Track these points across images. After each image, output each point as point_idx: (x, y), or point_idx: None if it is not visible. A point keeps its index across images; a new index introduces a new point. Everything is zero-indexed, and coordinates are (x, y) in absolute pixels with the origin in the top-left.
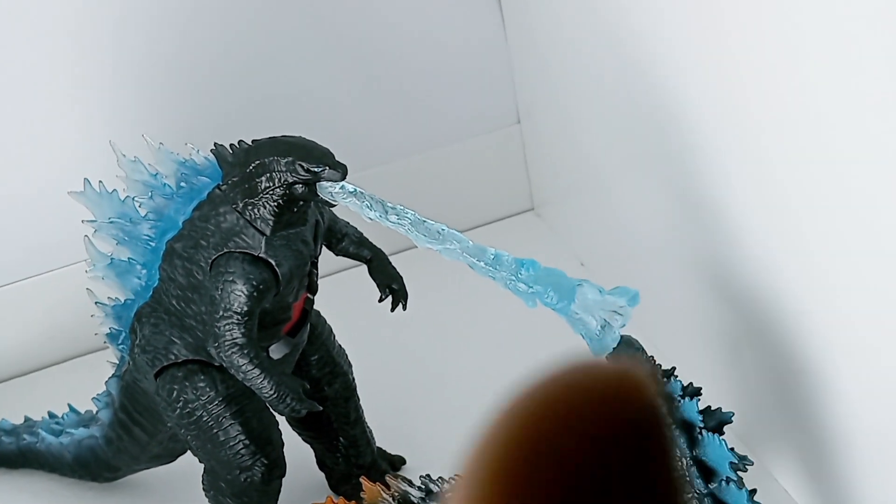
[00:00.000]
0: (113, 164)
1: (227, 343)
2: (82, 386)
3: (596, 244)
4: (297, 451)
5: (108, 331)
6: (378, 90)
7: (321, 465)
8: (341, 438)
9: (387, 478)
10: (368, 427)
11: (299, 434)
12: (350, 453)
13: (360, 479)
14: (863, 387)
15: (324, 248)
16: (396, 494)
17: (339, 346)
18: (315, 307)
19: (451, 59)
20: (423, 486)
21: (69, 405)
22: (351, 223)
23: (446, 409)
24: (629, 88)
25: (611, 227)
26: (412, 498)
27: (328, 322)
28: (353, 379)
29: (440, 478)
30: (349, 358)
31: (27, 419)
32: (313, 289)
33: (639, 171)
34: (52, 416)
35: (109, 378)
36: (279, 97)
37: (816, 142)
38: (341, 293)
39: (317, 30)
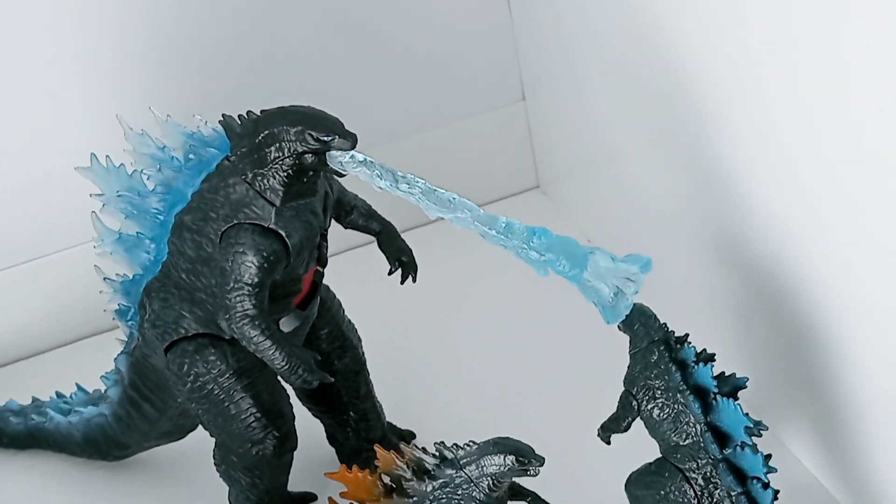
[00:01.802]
0: (120, 140)
1: (238, 314)
2: (89, 367)
3: (602, 220)
4: (308, 427)
5: (117, 307)
6: (383, 68)
7: (331, 439)
8: (351, 412)
9: (401, 446)
10: (378, 402)
11: (309, 409)
12: (360, 427)
13: (375, 448)
14: (877, 353)
15: (333, 221)
16: (411, 462)
17: (349, 320)
18: (325, 282)
19: (455, 38)
20: (438, 453)
21: (77, 384)
22: (360, 196)
23: (456, 383)
24: (634, 63)
25: (617, 202)
26: (426, 465)
27: (338, 297)
28: (363, 353)
29: (455, 444)
30: (359, 333)
31: (35, 400)
32: (323, 261)
33: (645, 144)
34: (59, 395)
35: (119, 355)
36: (284, 74)
37: (829, 108)
38: (350, 271)
39: (322, 7)
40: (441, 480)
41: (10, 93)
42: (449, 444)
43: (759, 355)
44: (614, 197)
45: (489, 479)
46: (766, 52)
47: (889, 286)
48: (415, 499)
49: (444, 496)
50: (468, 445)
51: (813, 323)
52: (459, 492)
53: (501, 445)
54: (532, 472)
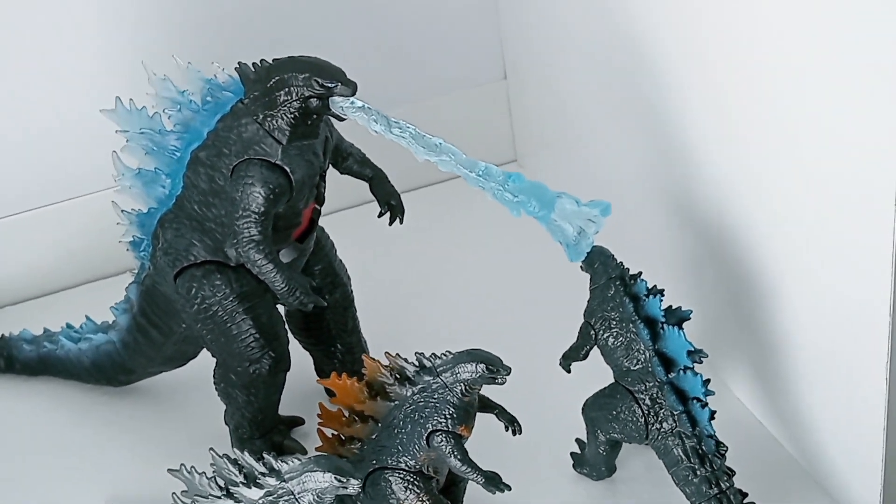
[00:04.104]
0: (140, 89)
1: (244, 239)
2: (95, 306)
3: (573, 189)
4: (298, 361)
5: (132, 239)
6: (370, 42)
7: (319, 371)
8: (339, 345)
9: (385, 354)
10: (363, 337)
11: (300, 341)
12: (346, 359)
13: (363, 357)
14: (810, 303)
15: (331, 167)
16: (394, 369)
17: (340, 260)
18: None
19: (441, 16)
20: (418, 362)
21: (87, 316)
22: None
23: (434, 317)
24: (608, 46)
25: (586, 173)
26: (407, 372)
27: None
28: (352, 291)
29: (433, 354)
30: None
31: (46, 330)
32: (321, 199)
33: (614, 121)
34: (70, 326)
35: (129, 285)
36: (289, 31)
37: (770, 87)
38: (343, 229)
39: None
40: (420, 386)
41: (37, 45)
42: (428, 354)
43: (706, 303)
44: (585, 168)
45: (462, 384)
46: (722, 41)
47: (819, 244)
48: (396, 402)
49: (422, 399)
50: (444, 355)
51: (755, 276)
52: (436, 396)
53: (474, 355)
54: (500, 380)
